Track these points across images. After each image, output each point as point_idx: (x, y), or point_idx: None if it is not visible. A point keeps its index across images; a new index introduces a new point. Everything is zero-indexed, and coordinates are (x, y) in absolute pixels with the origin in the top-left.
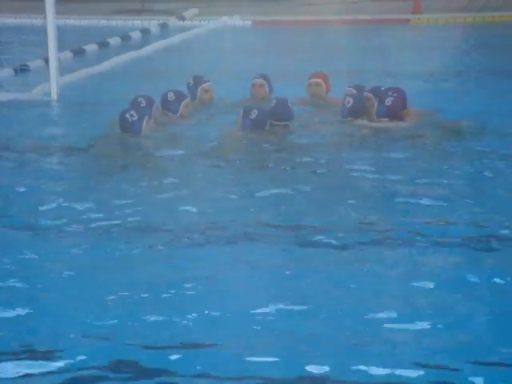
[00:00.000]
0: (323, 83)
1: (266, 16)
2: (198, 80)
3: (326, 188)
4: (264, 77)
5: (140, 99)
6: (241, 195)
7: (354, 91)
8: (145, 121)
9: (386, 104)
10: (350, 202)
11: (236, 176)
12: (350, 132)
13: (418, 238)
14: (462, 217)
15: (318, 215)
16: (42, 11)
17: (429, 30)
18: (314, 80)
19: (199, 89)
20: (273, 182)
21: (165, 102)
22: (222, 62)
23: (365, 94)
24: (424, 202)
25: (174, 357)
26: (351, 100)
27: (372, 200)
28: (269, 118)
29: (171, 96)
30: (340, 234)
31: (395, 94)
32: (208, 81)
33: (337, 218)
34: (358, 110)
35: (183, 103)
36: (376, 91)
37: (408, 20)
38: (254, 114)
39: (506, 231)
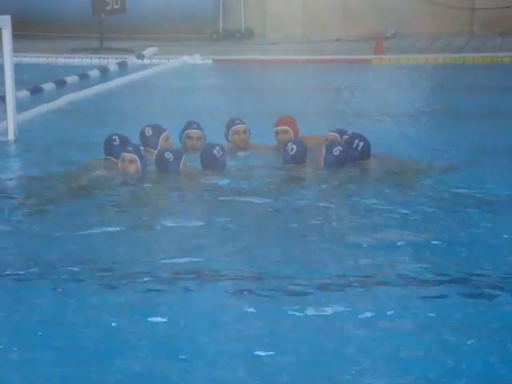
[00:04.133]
0: (290, 130)
1: (227, 55)
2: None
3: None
4: (243, 121)
5: (114, 137)
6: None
7: (337, 135)
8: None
9: (334, 153)
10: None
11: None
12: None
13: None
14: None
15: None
16: None
17: (390, 71)
18: (280, 128)
19: (184, 134)
20: None
21: (143, 138)
22: (182, 101)
23: (329, 133)
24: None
25: None
26: (294, 147)
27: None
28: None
29: (148, 131)
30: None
31: (361, 143)
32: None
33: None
34: (301, 158)
35: (162, 137)
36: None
37: (370, 60)
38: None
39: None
